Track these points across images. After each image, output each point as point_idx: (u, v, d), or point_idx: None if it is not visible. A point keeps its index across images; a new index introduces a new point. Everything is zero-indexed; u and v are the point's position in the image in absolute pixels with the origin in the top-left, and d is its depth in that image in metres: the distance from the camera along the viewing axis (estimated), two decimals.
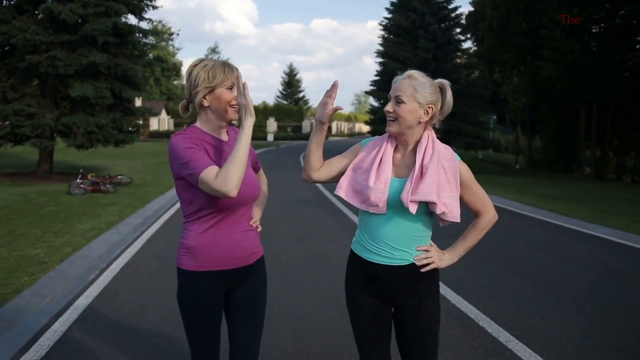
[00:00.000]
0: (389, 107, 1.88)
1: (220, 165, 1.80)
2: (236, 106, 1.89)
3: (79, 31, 12.62)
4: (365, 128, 47.18)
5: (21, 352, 3.15)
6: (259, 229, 2.09)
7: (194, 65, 1.89)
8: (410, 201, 1.83)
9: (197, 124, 1.96)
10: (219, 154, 1.92)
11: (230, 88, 1.89)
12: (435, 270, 1.97)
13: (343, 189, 1.98)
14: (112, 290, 4.46)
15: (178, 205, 8.38)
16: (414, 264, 1.91)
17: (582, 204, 11.37)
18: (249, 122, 1.81)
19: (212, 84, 1.86)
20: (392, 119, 1.89)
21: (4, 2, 13.06)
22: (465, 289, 4.66)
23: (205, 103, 1.89)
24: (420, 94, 1.86)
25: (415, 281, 1.93)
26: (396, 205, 1.87)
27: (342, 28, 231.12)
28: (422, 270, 1.91)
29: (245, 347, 2.04)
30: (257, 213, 2.14)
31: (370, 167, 1.92)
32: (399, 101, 1.86)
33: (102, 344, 3.34)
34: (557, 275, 5.33)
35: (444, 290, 4.57)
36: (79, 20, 12.69)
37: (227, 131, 2.01)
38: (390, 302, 1.97)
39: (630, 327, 3.88)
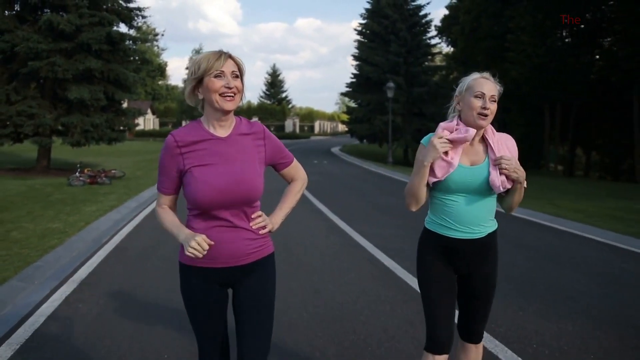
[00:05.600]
0: (488, 105, 2.07)
1: (211, 163, 1.83)
2: (228, 95, 1.80)
3: (75, 39, 14.01)
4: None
5: (70, 275, 4.74)
6: (264, 230, 1.99)
7: (190, 60, 1.89)
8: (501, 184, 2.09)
9: (202, 117, 1.93)
10: (209, 154, 1.84)
11: (218, 76, 1.79)
12: (496, 240, 2.25)
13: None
14: (123, 247, 5.98)
15: None
16: (488, 234, 2.19)
17: None
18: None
19: (197, 74, 1.81)
20: (487, 115, 2.08)
21: (6, 12, 14.37)
22: (393, 250, 6.23)
23: (200, 96, 1.85)
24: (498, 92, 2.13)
25: (487, 249, 2.20)
26: (480, 189, 2.12)
27: (327, 27, 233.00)
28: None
29: (251, 343, 1.98)
30: (277, 213, 2.09)
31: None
32: (493, 100, 2.09)
33: (124, 275, 4.88)
34: None
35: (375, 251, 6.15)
36: (75, 30, 14.03)
37: (234, 124, 1.93)
38: (464, 270, 2.22)
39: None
